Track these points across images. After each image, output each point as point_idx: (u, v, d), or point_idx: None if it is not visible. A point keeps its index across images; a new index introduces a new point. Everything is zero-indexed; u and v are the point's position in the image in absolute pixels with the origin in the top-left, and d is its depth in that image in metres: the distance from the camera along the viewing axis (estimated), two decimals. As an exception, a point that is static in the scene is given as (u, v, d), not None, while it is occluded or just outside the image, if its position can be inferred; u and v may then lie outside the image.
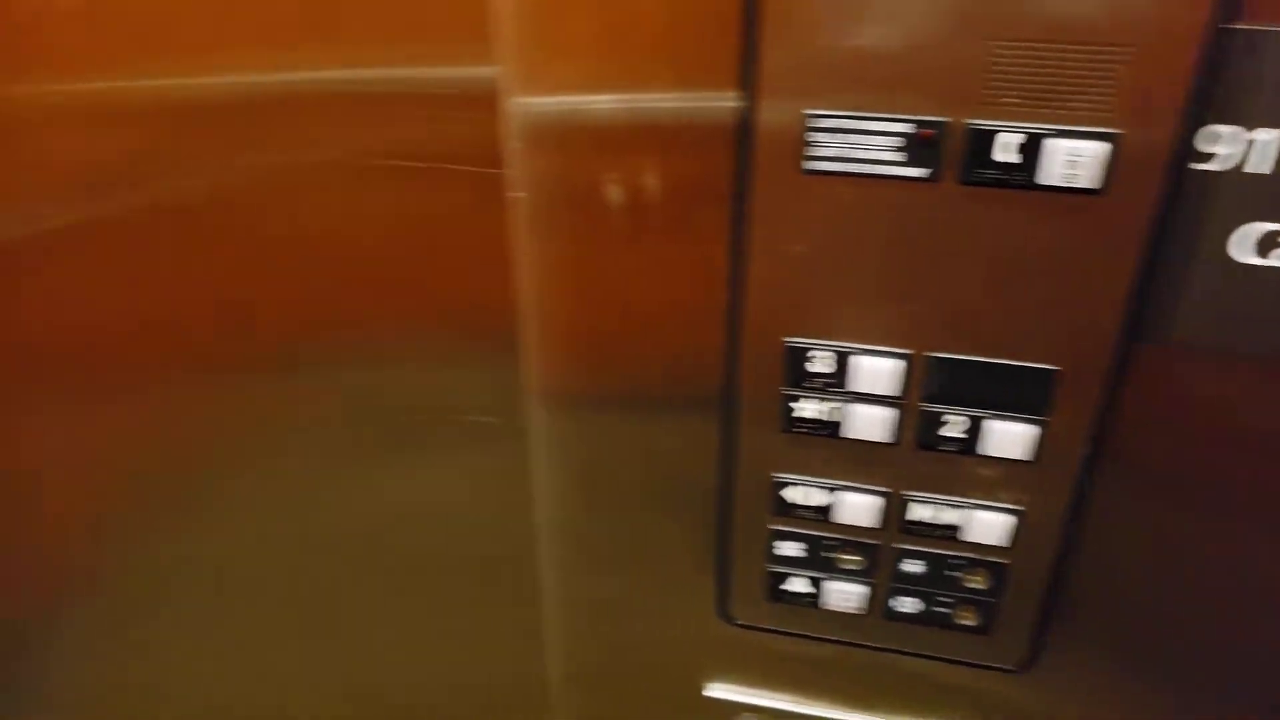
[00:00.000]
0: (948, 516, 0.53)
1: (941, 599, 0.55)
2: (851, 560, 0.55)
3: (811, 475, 0.53)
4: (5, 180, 0.58)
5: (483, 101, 0.49)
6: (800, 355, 0.49)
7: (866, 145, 0.43)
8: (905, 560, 0.55)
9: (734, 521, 0.56)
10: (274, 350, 0.60)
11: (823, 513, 0.54)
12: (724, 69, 0.45)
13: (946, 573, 0.54)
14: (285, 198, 0.54)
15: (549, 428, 0.57)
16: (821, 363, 0.49)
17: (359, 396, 0.60)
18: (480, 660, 0.70)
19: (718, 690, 0.63)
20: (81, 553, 0.74)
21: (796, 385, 0.50)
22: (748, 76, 0.44)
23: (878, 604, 0.56)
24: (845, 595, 0.56)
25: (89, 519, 0.72)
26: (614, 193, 0.50)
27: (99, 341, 0.63)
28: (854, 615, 0.57)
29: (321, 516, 0.66)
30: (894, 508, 0.53)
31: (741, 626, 0.60)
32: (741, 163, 0.46)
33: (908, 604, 0.56)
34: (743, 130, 0.45)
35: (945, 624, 0.56)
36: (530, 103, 0.48)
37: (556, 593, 0.64)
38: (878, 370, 0.49)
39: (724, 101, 0.46)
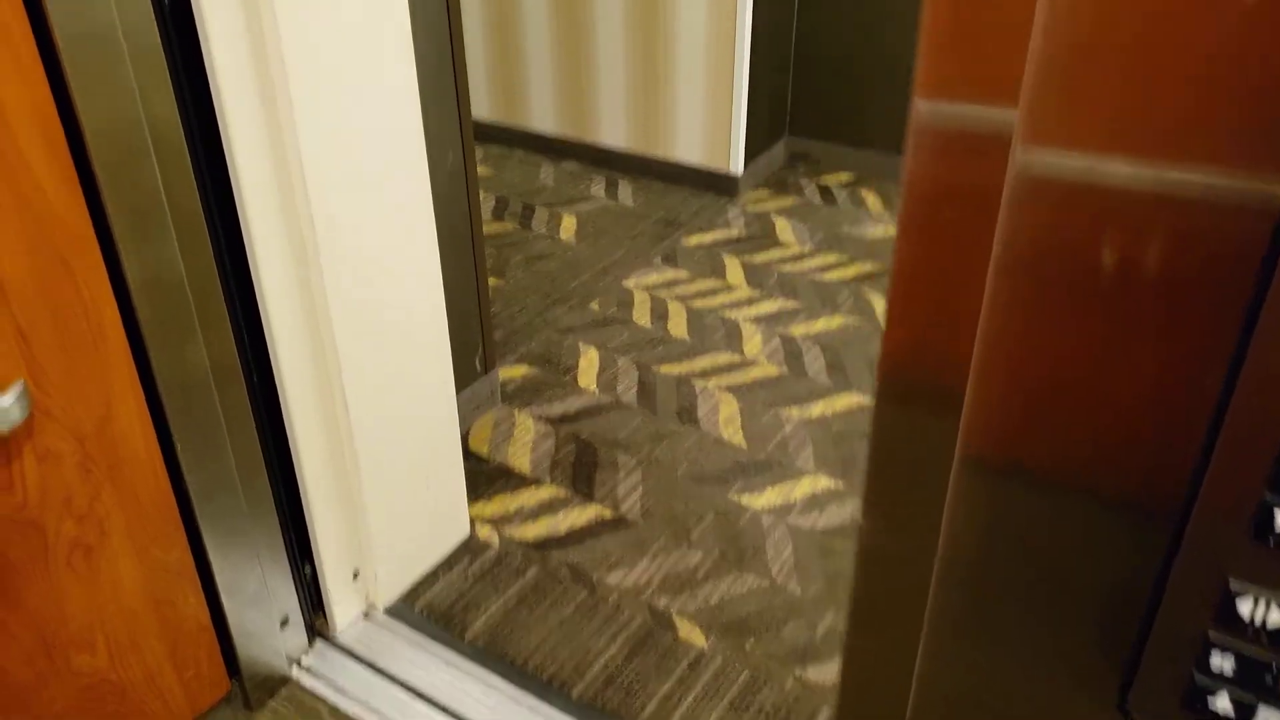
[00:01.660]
0: None
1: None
2: (1298, 696, 0.50)
3: (1277, 593, 0.49)
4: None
5: (991, 144, 0.50)
6: (1301, 465, 0.45)
7: None
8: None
9: (1165, 619, 0.53)
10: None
11: (1277, 637, 0.49)
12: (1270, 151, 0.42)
13: None
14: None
15: (965, 487, 0.57)
16: (1325, 478, 0.45)
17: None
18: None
19: (1090, 780, 0.60)
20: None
21: (1286, 496, 0.46)
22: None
23: (1315, 750, 0.51)
24: (1278, 730, 0.51)
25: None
26: (1101, 261, 0.48)
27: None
28: (1281, 752, 0.52)
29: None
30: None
31: (1138, 724, 0.57)
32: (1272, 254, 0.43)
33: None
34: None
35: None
36: (1036, 153, 0.48)
37: (935, 649, 0.63)
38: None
39: (1264, 185, 0.43)
